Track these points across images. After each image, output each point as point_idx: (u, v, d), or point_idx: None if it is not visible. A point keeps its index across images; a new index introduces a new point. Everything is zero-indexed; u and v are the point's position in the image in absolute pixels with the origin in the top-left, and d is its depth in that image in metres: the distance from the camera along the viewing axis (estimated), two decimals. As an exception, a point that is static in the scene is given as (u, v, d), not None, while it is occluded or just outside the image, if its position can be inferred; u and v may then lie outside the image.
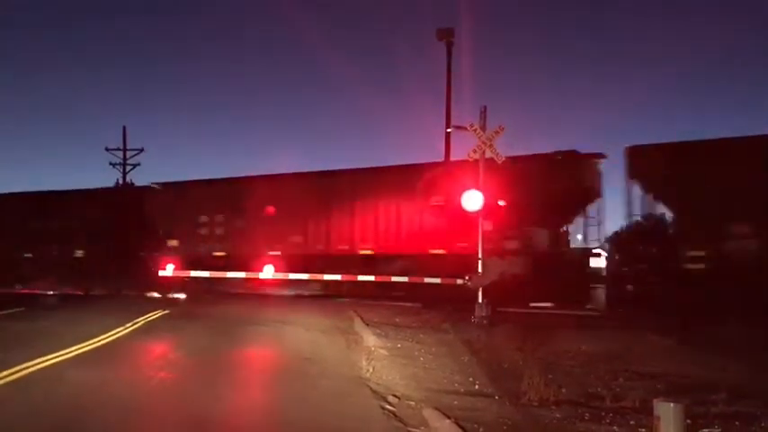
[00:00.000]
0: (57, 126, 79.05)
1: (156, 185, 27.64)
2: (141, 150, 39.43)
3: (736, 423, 5.97)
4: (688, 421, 4.59)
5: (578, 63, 61.76)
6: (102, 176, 58.69)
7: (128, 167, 39.30)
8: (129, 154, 39.38)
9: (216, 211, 25.28)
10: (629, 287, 18.83)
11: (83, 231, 28.34)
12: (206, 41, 76.75)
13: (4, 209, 30.54)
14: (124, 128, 39.64)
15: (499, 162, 14.52)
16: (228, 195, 25.06)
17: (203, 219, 25.51)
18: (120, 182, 38.34)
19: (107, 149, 39.33)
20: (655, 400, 3.89)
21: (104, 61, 77.67)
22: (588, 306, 18.67)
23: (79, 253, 28.64)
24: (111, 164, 39.25)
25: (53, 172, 75.75)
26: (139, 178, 38.00)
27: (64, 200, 30.02)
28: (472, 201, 14.63)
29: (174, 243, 25.88)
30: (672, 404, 3.77)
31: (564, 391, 7.35)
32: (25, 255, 29.43)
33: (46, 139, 79.15)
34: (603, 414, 6.39)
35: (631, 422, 6.07)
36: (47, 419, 6.41)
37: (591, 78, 62.85)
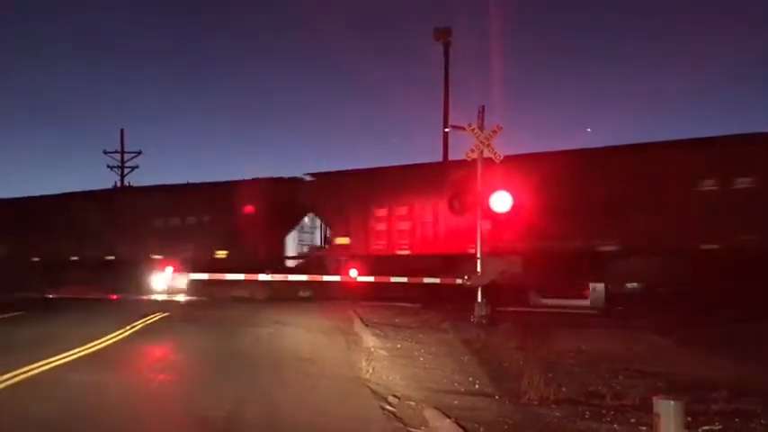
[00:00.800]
0: (54, 128, 78.92)
1: (308, 176, 24.57)
2: (139, 153, 39.56)
3: (736, 420, 5.97)
4: (688, 418, 4.60)
5: (577, 62, 61.80)
6: (99, 179, 58.61)
7: (126, 170, 39.45)
8: (126, 157, 39.55)
9: (397, 203, 21.74)
10: None
11: (222, 230, 25.17)
12: (204, 43, 76.78)
13: (127, 204, 27.47)
14: (122, 131, 39.79)
15: (497, 161, 14.54)
16: (409, 184, 21.60)
17: (381, 212, 22.06)
18: (119, 185, 38.40)
19: (105, 152, 39.51)
20: (655, 398, 3.89)
21: (102, 63, 77.61)
22: None
23: (221, 254, 25.30)
24: (108, 167, 39.40)
25: (50, 175, 75.60)
26: (138, 181, 38.09)
27: (196, 194, 26.89)
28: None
29: (343, 241, 22.85)
30: (672, 402, 3.77)
31: (564, 389, 7.35)
32: (153, 257, 25.49)
33: (43, 142, 78.96)
34: (604, 412, 6.38)
35: (632, 420, 6.07)
36: (47, 423, 6.40)
37: (590, 77, 62.93)
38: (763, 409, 6.34)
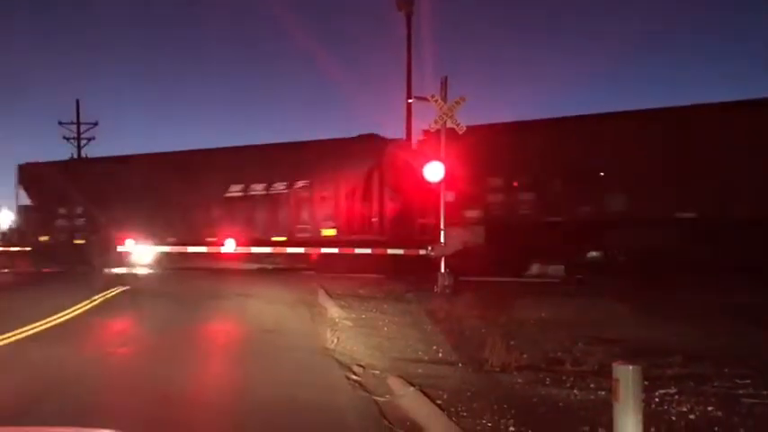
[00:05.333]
0: (7, 98, 76.30)
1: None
2: (95, 124, 38.63)
3: (691, 384, 6.17)
4: (645, 383, 4.73)
5: (541, 33, 61.98)
6: (57, 151, 56.96)
7: (82, 141, 38.49)
8: (83, 128, 38.54)
9: None
10: None
11: None
12: (164, 11, 74.72)
13: None
14: (77, 101, 38.71)
15: (460, 132, 14.58)
16: None
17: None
18: (75, 156, 37.46)
19: (60, 123, 38.41)
20: (614, 364, 3.98)
21: (56, 31, 75.00)
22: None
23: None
24: (64, 138, 38.38)
25: (6, 148, 73.20)
26: (94, 153, 37.18)
27: None
28: (434, 172, 14.68)
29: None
30: (630, 367, 3.86)
31: (525, 356, 7.49)
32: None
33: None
34: (564, 378, 6.53)
35: (591, 385, 6.22)
36: (5, 398, 6.27)
37: (552, 48, 63.16)
38: (715, 373, 6.57)
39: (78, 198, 24.93)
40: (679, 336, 8.76)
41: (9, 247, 27.72)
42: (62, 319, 11.11)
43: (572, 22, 61.83)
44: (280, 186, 21.79)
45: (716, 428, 4.91)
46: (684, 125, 16.87)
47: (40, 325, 10.30)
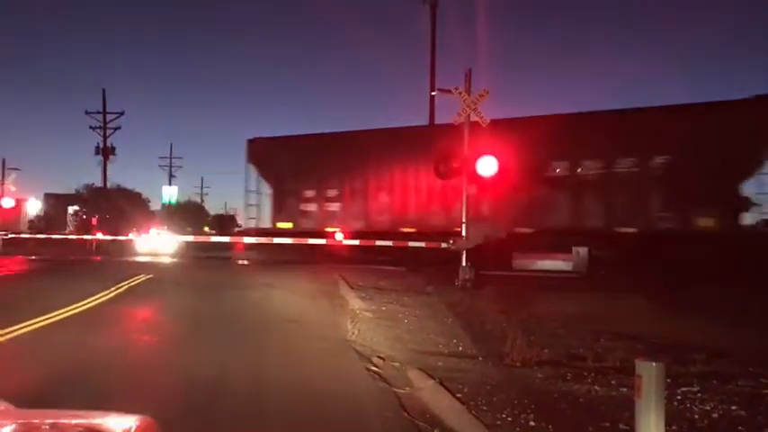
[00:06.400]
0: (35, 90, 77.47)
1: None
2: (122, 114, 38.95)
3: (714, 382, 6.10)
4: (668, 380, 4.69)
5: (566, 27, 61.39)
6: (86, 140, 57.68)
7: (108, 131, 38.91)
8: (109, 117, 38.93)
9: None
10: None
11: None
12: (190, 2, 75.21)
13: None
14: (104, 90, 39.05)
15: (484, 125, 14.49)
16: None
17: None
18: (101, 146, 37.93)
19: (87, 113, 38.83)
20: (636, 360, 3.95)
21: (83, 22, 75.88)
22: None
23: None
24: (90, 127, 38.81)
25: (35, 137, 74.47)
26: (120, 142, 37.50)
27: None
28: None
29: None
30: (653, 364, 3.82)
31: (546, 351, 7.46)
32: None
33: (23, 104, 77.49)
34: (585, 374, 6.49)
35: (612, 381, 6.18)
36: (33, 382, 6.39)
37: (579, 41, 62.55)
38: (740, 371, 6.48)
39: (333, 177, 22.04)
40: (702, 332, 8.69)
41: (36, 234, 28.17)
42: (89, 306, 11.27)
43: (598, 14, 61.10)
44: (625, 163, 18.09)
45: (739, 428, 4.85)
46: None
47: (69, 311, 10.45)
